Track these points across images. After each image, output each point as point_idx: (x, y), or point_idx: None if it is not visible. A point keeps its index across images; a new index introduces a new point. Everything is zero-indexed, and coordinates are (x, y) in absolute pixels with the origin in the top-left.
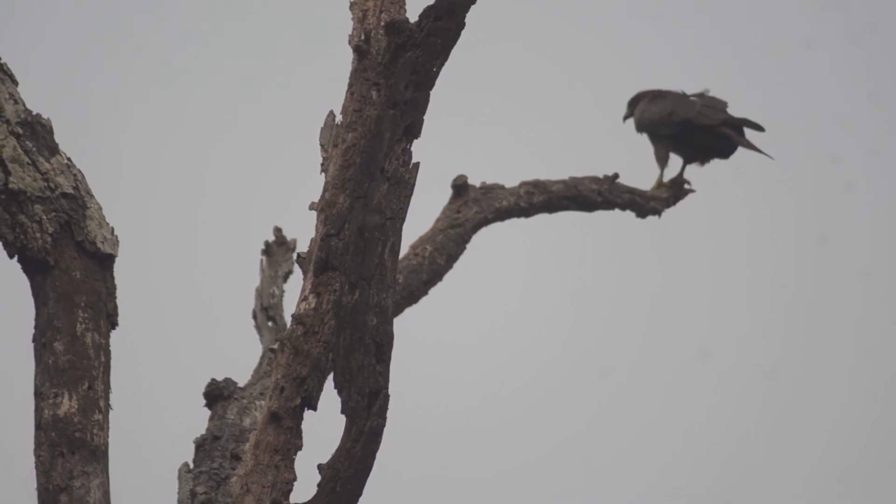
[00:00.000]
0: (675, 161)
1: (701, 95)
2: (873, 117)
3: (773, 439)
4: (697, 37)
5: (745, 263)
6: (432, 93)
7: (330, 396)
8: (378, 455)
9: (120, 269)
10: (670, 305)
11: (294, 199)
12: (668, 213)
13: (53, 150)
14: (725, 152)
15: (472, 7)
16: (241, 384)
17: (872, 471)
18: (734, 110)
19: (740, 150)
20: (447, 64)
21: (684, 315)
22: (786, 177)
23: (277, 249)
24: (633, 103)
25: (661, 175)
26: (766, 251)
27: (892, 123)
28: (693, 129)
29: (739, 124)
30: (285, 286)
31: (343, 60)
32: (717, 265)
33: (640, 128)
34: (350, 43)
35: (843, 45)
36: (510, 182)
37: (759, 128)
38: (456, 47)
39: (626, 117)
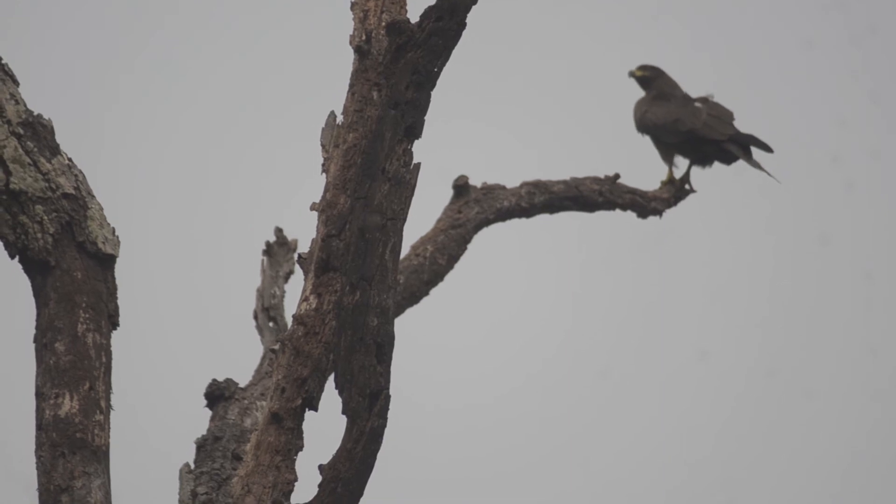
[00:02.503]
0: (679, 160)
1: (705, 101)
2: (873, 117)
3: (773, 440)
4: (697, 37)
5: (745, 263)
6: (433, 93)
7: (331, 397)
8: (379, 455)
9: (121, 270)
10: (671, 305)
11: (295, 200)
12: (669, 213)
13: (54, 150)
14: (728, 160)
15: (473, 7)
16: (242, 385)
17: (872, 471)
18: (735, 111)
19: None
20: (448, 64)
21: (685, 315)
22: (786, 177)
23: (278, 250)
24: (649, 70)
25: (671, 172)
26: (766, 251)
27: (892, 123)
28: (698, 140)
29: (747, 142)
30: (286, 287)
31: (344, 61)
32: (717, 265)
33: (642, 129)
34: (351, 43)
35: (844, 46)
36: (511, 182)
37: (767, 148)
38: (457, 48)
39: (631, 74)
